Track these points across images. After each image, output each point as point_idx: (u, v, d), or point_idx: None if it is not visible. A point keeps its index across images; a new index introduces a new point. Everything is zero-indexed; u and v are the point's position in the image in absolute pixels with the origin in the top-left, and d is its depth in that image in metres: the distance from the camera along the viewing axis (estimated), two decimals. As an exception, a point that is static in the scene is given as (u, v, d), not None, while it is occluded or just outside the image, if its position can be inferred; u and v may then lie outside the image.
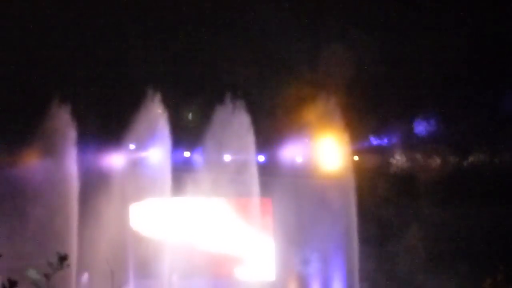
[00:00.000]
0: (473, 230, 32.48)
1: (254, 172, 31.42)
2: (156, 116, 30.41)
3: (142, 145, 31.98)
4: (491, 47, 34.28)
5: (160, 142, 31.41)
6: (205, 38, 34.92)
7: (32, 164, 30.02)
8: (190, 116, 33.89)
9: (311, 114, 31.55)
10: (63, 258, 10.71)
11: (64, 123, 29.65)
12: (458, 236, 32.66)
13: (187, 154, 33.06)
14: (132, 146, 33.09)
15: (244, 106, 30.60)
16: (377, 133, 35.84)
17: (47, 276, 10.71)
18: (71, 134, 29.95)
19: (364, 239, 31.55)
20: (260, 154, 32.25)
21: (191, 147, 33.68)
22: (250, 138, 30.86)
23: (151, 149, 32.42)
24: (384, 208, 32.86)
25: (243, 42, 33.98)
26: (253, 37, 34.23)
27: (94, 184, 30.43)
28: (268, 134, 31.49)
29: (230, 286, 31.67)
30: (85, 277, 30.19)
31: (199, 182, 31.62)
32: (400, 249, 33.03)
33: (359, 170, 32.09)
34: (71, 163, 30.27)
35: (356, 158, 33.17)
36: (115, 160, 32.27)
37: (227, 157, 32.84)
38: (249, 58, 33.90)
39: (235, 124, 30.39)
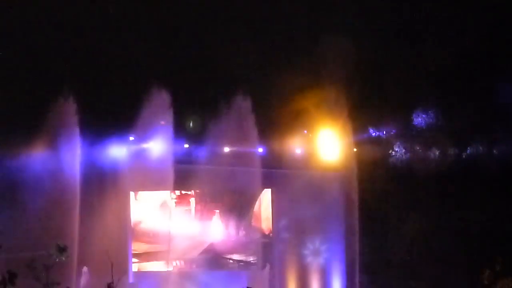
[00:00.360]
0: (472, 222, 32.53)
1: (256, 164, 31.49)
2: (159, 110, 30.35)
3: (143, 137, 32.04)
4: (489, 40, 34.29)
5: (162, 135, 31.47)
6: (207, 31, 34.89)
7: (34, 156, 30.02)
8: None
9: (310, 106, 31.58)
10: (62, 250, 10.81)
11: (66, 117, 29.62)
12: (456, 227, 32.70)
13: (186, 146, 33.10)
14: (131, 138, 33.15)
15: (244, 98, 30.59)
16: (376, 124, 35.86)
17: (46, 267, 10.81)
18: (73, 126, 29.95)
19: (364, 231, 31.60)
20: (259, 146, 32.27)
21: (191, 139, 33.74)
22: (251, 131, 30.88)
23: (151, 142, 32.48)
24: (383, 199, 32.90)
25: (244, 35, 33.99)
26: (253, 30, 34.24)
27: (95, 175, 30.47)
28: (267, 126, 31.49)
29: (228, 276, 31.74)
30: (84, 269, 30.23)
31: (200, 175, 31.70)
32: (399, 241, 33.11)
33: (358, 162, 32.11)
34: (72, 155, 30.29)
35: (355, 150, 33.19)
36: (116, 152, 32.31)
37: (227, 149, 32.93)
38: (250, 51, 33.94)
39: (236, 116, 30.37)
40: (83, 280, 30.31)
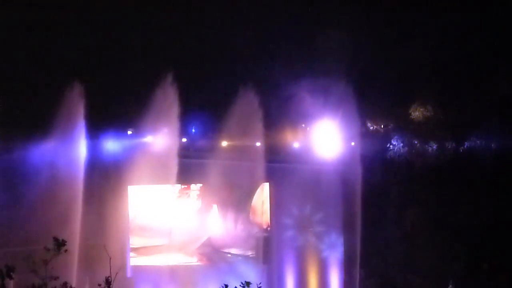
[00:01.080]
0: (470, 215, 32.57)
1: (254, 158, 31.49)
2: (165, 104, 30.28)
3: (142, 131, 32.08)
4: (487, 36, 34.36)
5: (161, 129, 31.47)
6: (207, 26, 34.96)
7: (34, 149, 29.93)
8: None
9: (308, 99, 31.57)
10: (60, 244, 10.79)
11: (67, 112, 29.50)
12: (454, 221, 32.74)
13: (184, 140, 33.09)
14: (129, 132, 33.17)
15: (245, 93, 30.55)
16: (374, 118, 35.92)
17: (44, 262, 10.79)
18: (75, 121, 29.84)
19: (362, 224, 31.62)
20: (257, 140, 32.30)
21: (189, 133, 33.77)
22: (253, 125, 30.87)
23: (149, 136, 32.52)
24: (381, 193, 32.94)
25: (243, 30, 34.03)
26: (253, 24, 34.30)
27: (93, 169, 30.40)
28: (265, 120, 31.47)
29: (226, 270, 31.76)
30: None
31: (198, 169, 31.71)
32: (397, 234, 33.17)
33: (356, 156, 32.13)
34: (73, 149, 30.20)
35: (353, 143, 33.22)
36: (114, 146, 32.30)
37: (224, 143, 32.99)
38: (248, 45, 33.99)
39: (238, 111, 30.34)
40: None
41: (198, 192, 32.95)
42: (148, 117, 30.39)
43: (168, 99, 30.08)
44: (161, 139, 31.80)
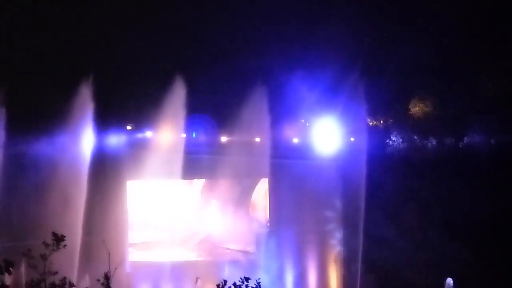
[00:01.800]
0: (469, 211, 32.59)
1: (256, 153, 31.49)
2: (165, 100, 30.25)
3: (141, 127, 32.07)
4: (486, 33, 34.37)
5: (161, 125, 31.47)
6: (207, 24, 35.00)
7: (35, 144, 29.88)
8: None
9: (307, 95, 31.56)
10: (59, 239, 10.78)
11: (71, 108, 29.46)
12: (454, 217, 32.75)
13: (183, 135, 33.07)
14: (128, 128, 33.16)
15: (245, 88, 30.52)
16: (374, 114, 35.91)
17: (43, 257, 10.80)
18: (80, 117, 29.79)
19: (361, 220, 31.65)
20: (256, 136, 32.30)
21: (190, 129, 33.78)
22: (253, 120, 30.85)
23: (148, 131, 32.51)
24: (380, 189, 32.94)
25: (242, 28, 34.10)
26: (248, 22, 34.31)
27: (92, 164, 30.36)
28: (265, 115, 31.46)
29: (225, 266, 31.77)
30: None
31: (198, 164, 31.72)
32: (396, 229, 33.17)
33: (355, 151, 32.13)
34: (76, 145, 30.16)
35: (352, 139, 33.23)
36: (114, 141, 32.29)
37: (224, 139, 33.00)
38: (248, 41, 34.02)
39: (237, 106, 30.31)
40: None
41: (200, 188, 33.01)
42: (147, 112, 30.38)
43: (167, 95, 30.08)
44: (160, 134, 31.80)
